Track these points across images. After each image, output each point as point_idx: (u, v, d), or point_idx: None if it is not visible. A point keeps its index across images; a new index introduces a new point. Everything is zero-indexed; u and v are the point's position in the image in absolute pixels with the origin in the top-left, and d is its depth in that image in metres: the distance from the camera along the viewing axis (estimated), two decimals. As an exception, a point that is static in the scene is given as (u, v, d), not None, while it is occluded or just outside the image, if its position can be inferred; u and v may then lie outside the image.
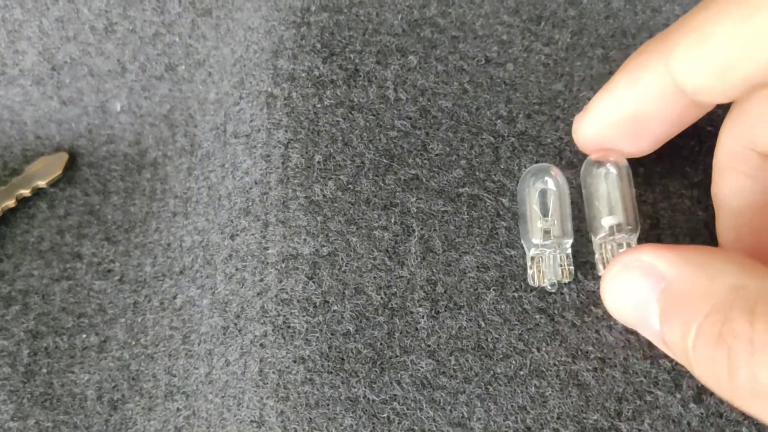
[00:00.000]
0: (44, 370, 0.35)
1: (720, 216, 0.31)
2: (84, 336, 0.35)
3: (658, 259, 0.25)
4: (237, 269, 0.33)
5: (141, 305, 0.36)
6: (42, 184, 0.39)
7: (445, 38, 0.36)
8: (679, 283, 0.25)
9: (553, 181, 0.31)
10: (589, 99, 0.34)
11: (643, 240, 0.32)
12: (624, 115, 0.29)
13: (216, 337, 0.32)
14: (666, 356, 0.30)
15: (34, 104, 0.40)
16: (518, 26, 0.36)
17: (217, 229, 0.34)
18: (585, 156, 0.33)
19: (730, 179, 0.30)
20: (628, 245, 0.30)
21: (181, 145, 0.39)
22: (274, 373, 0.30)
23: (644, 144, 0.30)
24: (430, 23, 0.36)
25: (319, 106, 0.34)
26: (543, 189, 0.31)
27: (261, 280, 0.32)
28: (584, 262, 0.31)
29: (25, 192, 0.39)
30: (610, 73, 0.35)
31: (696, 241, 0.32)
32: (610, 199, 0.31)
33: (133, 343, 0.35)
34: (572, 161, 0.33)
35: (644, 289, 0.26)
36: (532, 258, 0.31)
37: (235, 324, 0.32)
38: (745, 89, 0.27)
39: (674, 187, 0.33)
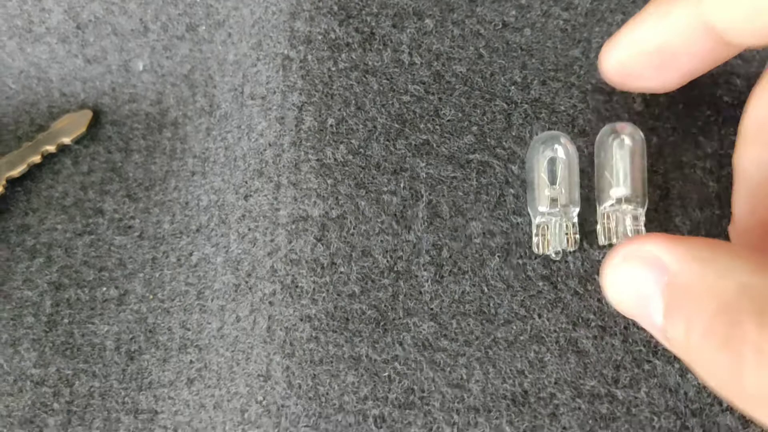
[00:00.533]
0: (66, 321, 0.36)
1: (737, 186, 0.30)
2: (104, 289, 0.37)
3: (663, 251, 0.24)
4: (249, 229, 0.33)
5: (159, 261, 0.37)
6: (67, 140, 0.40)
7: (463, 1, 0.36)
8: (684, 277, 0.23)
9: (562, 149, 0.31)
10: (605, 66, 0.34)
11: (652, 211, 0.32)
12: (651, 46, 0.29)
13: (228, 293, 0.33)
14: (668, 327, 0.30)
15: (59, 62, 0.41)
16: (537, -10, 0.36)
17: (232, 190, 0.35)
18: (598, 125, 0.33)
19: (753, 150, 0.30)
20: (634, 218, 0.30)
21: (200, 106, 0.40)
22: (281, 330, 0.31)
23: (671, 78, 0.30)
24: (448, -14, 0.36)
25: (333, 69, 0.34)
26: (552, 157, 0.31)
27: (272, 241, 0.32)
28: (590, 231, 0.31)
29: (51, 148, 0.40)
30: (628, 41, 0.34)
31: (705, 212, 0.31)
32: (622, 169, 0.30)
33: (151, 297, 0.36)
34: (585, 129, 0.33)
35: (647, 281, 0.24)
36: (538, 225, 0.31)
37: (246, 282, 0.33)
38: None
39: (687, 157, 0.32)
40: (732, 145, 0.32)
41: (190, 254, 0.36)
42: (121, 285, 0.37)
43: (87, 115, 0.41)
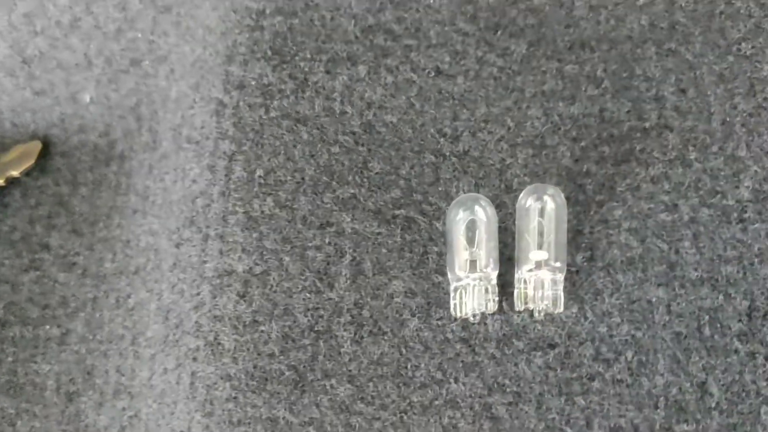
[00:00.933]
0: (10, 359, 0.37)
1: None
2: (47, 327, 0.37)
3: None
4: (179, 279, 0.34)
5: (99, 301, 0.37)
6: (15, 173, 0.41)
7: (398, 47, 0.35)
8: None
9: (482, 212, 0.30)
10: (537, 118, 0.33)
11: (574, 273, 0.31)
12: None
13: (158, 343, 0.34)
14: (581, 394, 0.30)
15: (9, 94, 0.41)
16: (474, 35, 0.35)
17: (167, 235, 0.35)
18: (525, 181, 0.33)
19: None
20: (554, 283, 0.30)
21: (145, 141, 0.40)
22: (203, 387, 0.31)
23: None
24: (384, 30, 0.35)
25: (265, 117, 0.34)
26: (472, 219, 0.30)
27: (197, 294, 0.33)
28: (511, 292, 0.31)
29: (0, 182, 0.40)
30: (563, 89, 0.34)
31: (628, 275, 0.31)
32: (542, 233, 0.30)
33: (91, 338, 0.37)
34: (512, 185, 0.33)
35: None
36: (455, 289, 0.31)
37: (174, 334, 0.33)
38: None
39: (612, 216, 0.32)
40: (661, 204, 0.32)
41: (128, 296, 0.37)
42: (64, 324, 0.37)
43: (36, 147, 0.41)
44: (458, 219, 0.30)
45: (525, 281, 0.30)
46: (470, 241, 0.30)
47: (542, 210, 0.30)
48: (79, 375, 0.36)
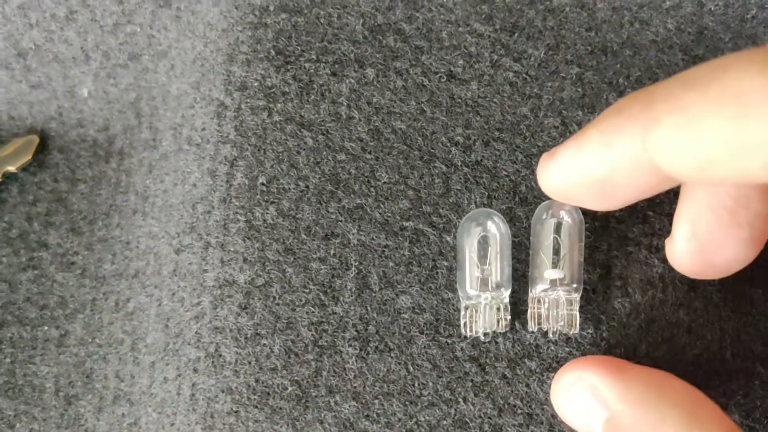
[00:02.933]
0: (8, 360, 0.36)
1: (682, 206, 0.28)
2: (46, 328, 0.37)
3: (604, 386, 0.26)
4: (179, 287, 0.33)
5: (99, 303, 0.36)
6: (12, 169, 0.39)
7: (408, 48, 0.33)
8: (622, 419, 0.25)
9: (494, 227, 0.29)
10: (554, 127, 0.32)
11: (590, 292, 0.30)
12: (593, 177, 0.26)
13: (159, 351, 0.33)
14: (594, 419, 0.29)
15: (5, 87, 0.40)
16: (489, 36, 0.33)
17: (167, 239, 0.34)
18: (541, 194, 0.31)
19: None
20: (569, 303, 0.29)
21: (145, 138, 0.38)
22: (203, 399, 0.30)
23: (611, 204, 0.28)
24: (394, 30, 0.34)
25: (268, 121, 0.33)
26: (483, 235, 0.29)
27: (198, 304, 0.32)
28: (524, 310, 0.30)
29: (-4, 177, 0.39)
30: (582, 97, 0.32)
31: (647, 295, 0.30)
32: (558, 251, 0.29)
33: (90, 340, 0.36)
34: (527, 198, 0.31)
35: (591, 410, 0.26)
36: (466, 307, 0.29)
37: (174, 342, 0.32)
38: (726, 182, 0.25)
39: (632, 233, 0.31)
40: (681, 222, 0.31)
41: (128, 300, 0.36)
42: (62, 325, 0.37)
43: (33, 142, 0.40)
44: (470, 235, 0.29)
45: (539, 301, 0.29)
46: (482, 258, 0.29)
47: (558, 227, 0.29)
48: (78, 378, 0.35)
